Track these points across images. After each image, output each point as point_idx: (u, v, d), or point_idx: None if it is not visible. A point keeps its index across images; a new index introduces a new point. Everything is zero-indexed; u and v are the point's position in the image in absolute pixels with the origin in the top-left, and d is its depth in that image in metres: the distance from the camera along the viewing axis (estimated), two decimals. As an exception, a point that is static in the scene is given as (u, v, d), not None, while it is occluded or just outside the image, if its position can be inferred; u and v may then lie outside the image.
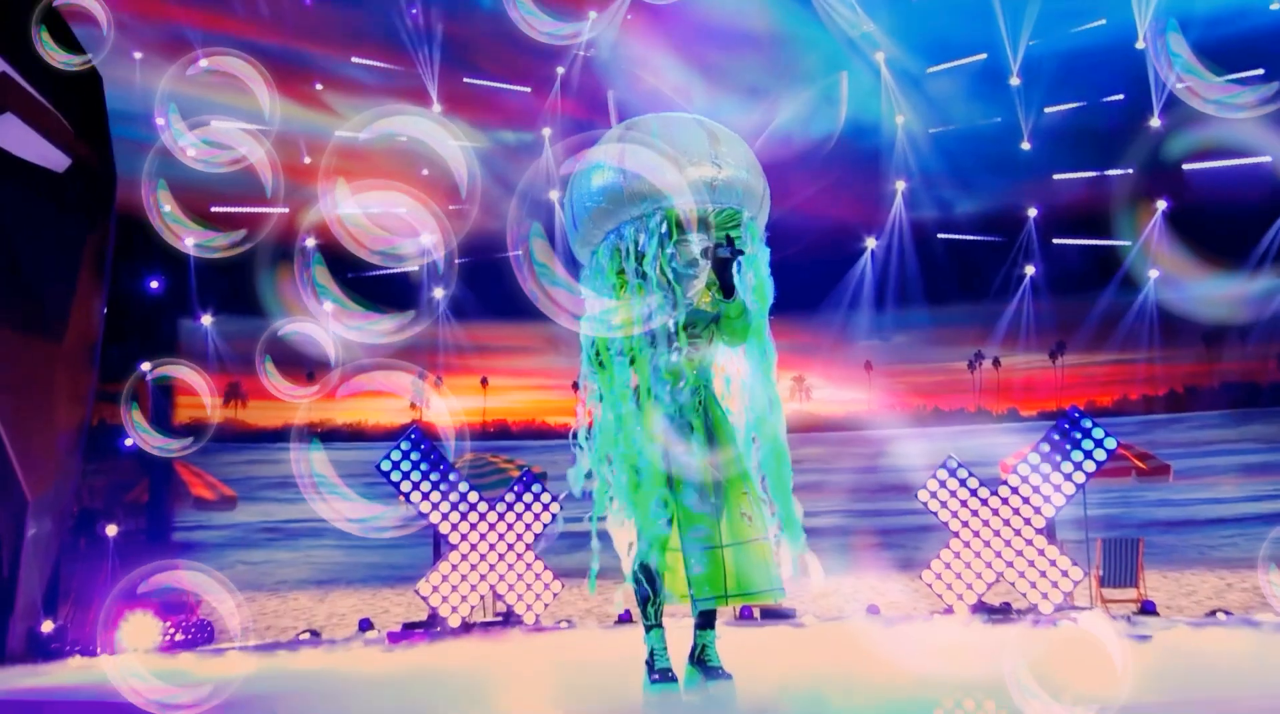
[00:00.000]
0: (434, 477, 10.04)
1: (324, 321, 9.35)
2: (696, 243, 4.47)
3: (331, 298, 9.14)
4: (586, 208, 4.47)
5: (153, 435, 10.23)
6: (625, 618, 9.52)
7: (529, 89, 15.07)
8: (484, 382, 19.52)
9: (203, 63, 9.66)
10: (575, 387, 4.74)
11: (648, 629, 4.46)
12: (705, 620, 4.49)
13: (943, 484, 9.65)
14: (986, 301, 16.60)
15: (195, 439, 10.42)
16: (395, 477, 9.95)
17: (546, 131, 15.15)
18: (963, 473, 9.63)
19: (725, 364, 4.71)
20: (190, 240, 10.12)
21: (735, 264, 4.33)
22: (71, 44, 9.04)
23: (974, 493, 9.56)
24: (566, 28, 9.59)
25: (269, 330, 9.96)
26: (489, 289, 16.51)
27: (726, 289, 4.34)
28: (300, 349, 9.94)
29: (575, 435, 4.56)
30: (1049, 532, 9.59)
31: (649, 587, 4.36)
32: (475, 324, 16.67)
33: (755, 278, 4.56)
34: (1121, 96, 13.93)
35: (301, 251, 9.99)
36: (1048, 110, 14.51)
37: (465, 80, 14.47)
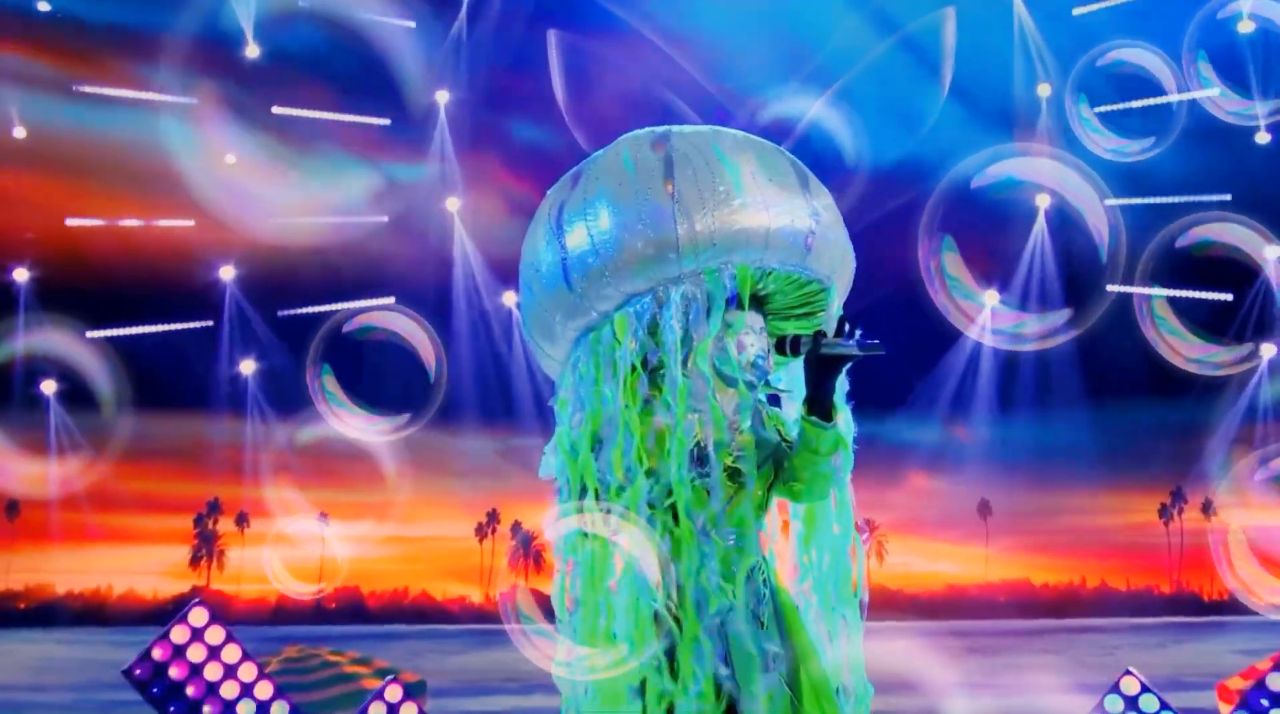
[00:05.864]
0: (226, 691, 9.98)
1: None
2: (752, 329, 4.66)
3: None
4: (599, 255, 4.51)
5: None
6: None
7: (413, 24, 15.17)
8: (323, 518, 19.47)
9: None
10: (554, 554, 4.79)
11: None
12: None
13: (1117, 721, 9.64)
14: (1191, 402, 16.73)
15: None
16: (158, 689, 9.84)
17: (442, 96, 15.25)
18: (1151, 703, 9.63)
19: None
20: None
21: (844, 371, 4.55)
22: None
23: (1171, 737, 9.57)
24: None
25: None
26: (345, 359, 16.46)
27: (822, 408, 4.49)
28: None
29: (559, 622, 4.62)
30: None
31: None
32: (309, 417, 16.63)
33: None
34: None
35: None
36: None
37: (301, 4, 14.62)
